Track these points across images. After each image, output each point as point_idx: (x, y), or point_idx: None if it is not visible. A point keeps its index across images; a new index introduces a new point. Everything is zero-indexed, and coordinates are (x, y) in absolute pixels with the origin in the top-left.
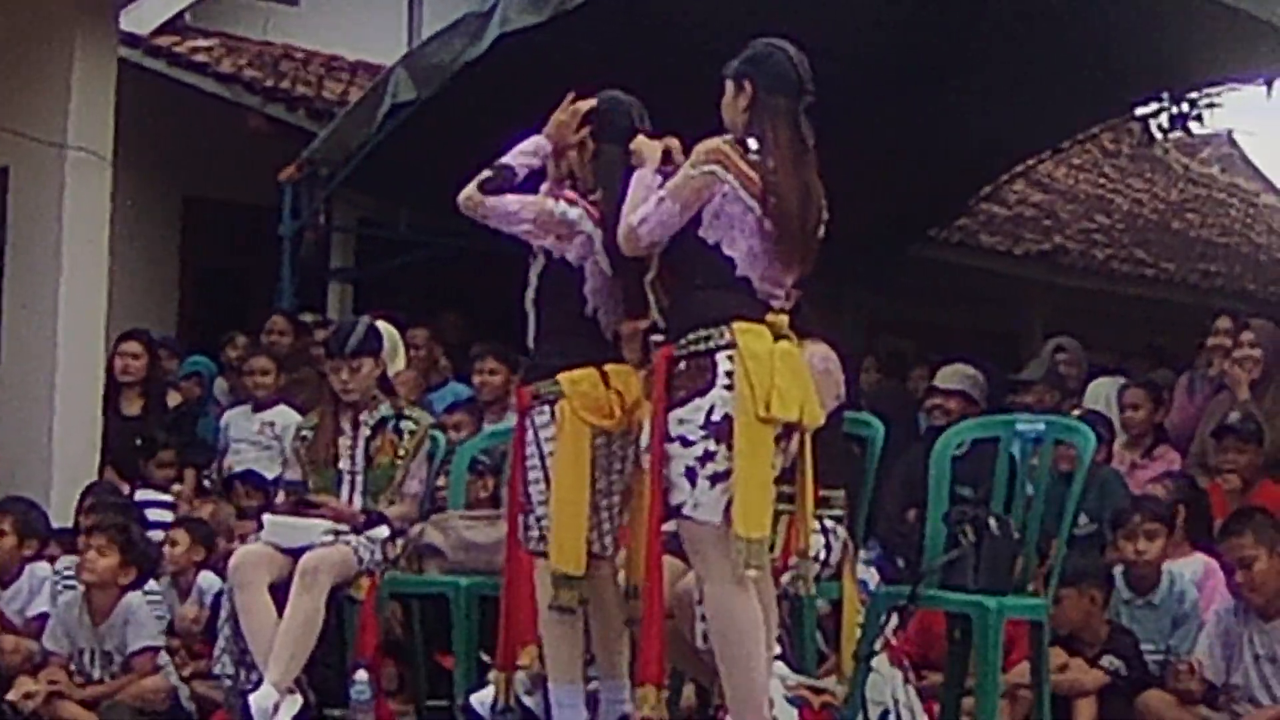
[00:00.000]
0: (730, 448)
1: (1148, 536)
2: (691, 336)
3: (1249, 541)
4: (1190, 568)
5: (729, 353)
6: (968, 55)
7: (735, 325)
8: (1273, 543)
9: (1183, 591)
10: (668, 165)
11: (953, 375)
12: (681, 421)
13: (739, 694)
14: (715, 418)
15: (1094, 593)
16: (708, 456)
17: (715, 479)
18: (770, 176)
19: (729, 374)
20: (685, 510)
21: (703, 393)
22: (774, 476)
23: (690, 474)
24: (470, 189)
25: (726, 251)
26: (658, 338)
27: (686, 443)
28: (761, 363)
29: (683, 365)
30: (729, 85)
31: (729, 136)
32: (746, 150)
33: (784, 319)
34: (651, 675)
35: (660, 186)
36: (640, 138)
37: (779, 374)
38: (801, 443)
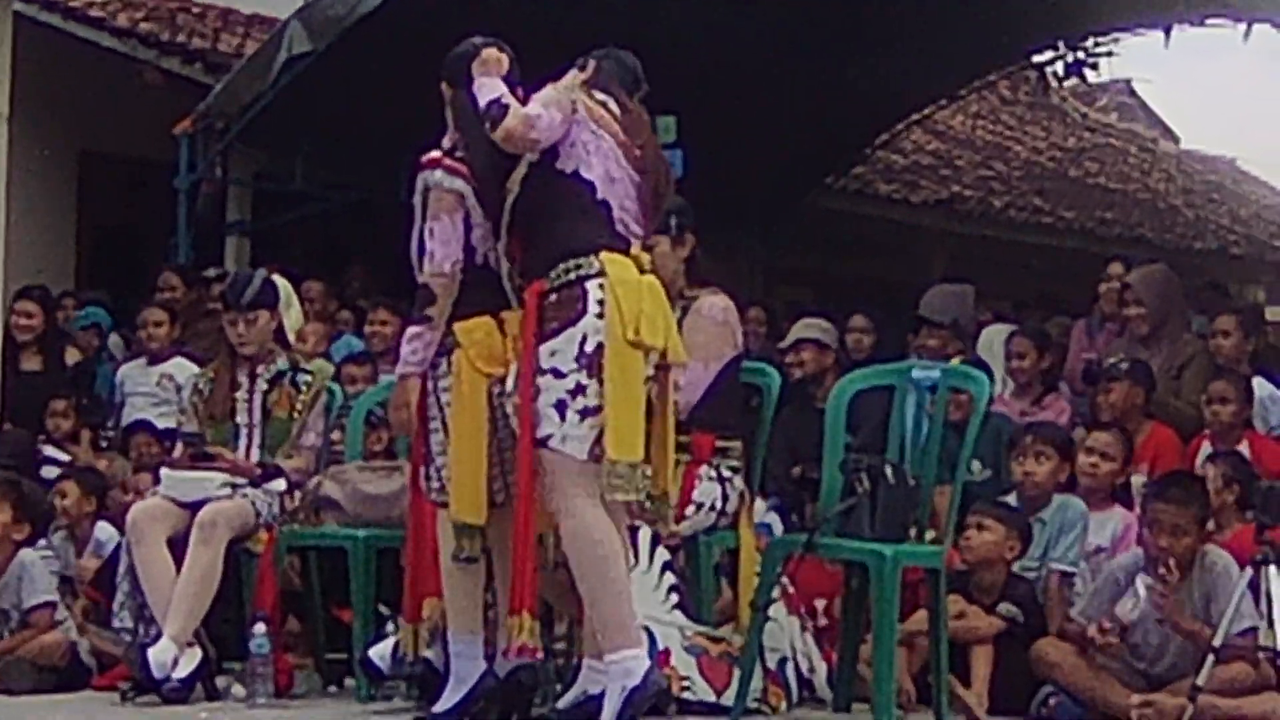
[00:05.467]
0: (602, 383)
1: (1037, 458)
2: (561, 268)
3: (1188, 515)
4: (1109, 523)
5: (599, 280)
6: (864, 2)
7: (603, 255)
8: (1204, 521)
9: (1064, 506)
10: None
11: (798, 329)
12: (554, 353)
13: (609, 617)
14: (588, 348)
15: (1014, 542)
16: (579, 390)
17: (585, 413)
18: (630, 122)
19: (600, 302)
20: (552, 443)
21: (574, 321)
22: (645, 408)
23: (560, 406)
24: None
25: (585, 175)
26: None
27: (559, 374)
28: (630, 289)
29: (554, 297)
30: (573, 71)
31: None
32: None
33: (646, 256)
34: (525, 603)
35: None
36: (487, 50)
37: (646, 302)
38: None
